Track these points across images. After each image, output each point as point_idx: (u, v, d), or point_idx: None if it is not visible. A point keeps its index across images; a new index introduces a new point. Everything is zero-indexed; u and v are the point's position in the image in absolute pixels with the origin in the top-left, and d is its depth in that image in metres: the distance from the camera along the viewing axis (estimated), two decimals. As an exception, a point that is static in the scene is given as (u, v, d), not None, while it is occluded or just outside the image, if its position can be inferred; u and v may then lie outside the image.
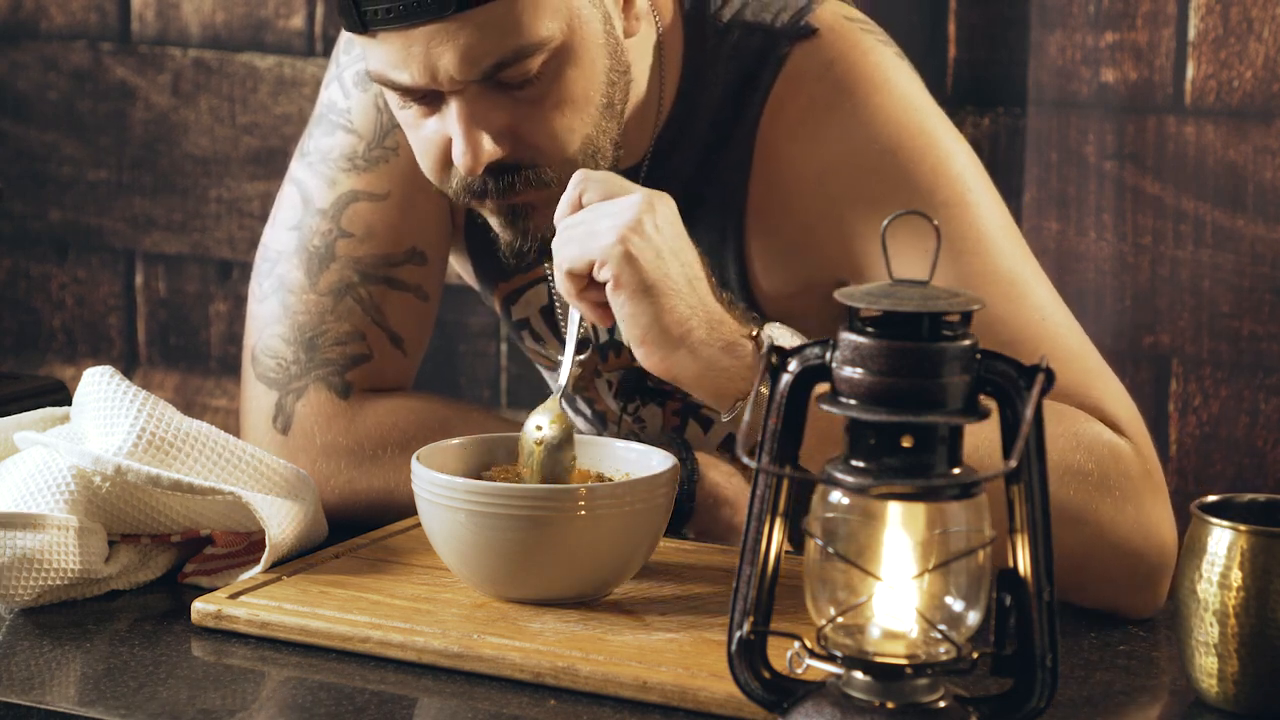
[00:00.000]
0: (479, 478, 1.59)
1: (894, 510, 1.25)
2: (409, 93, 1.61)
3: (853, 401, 1.25)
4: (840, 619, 1.27)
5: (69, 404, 1.73)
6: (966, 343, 1.25)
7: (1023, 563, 1.28)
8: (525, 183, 1.63)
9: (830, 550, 1.26)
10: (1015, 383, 1.26)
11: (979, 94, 2.51)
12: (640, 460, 1.60)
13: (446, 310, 2.09)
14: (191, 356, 3.06)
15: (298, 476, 1.66)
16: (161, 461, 1.60)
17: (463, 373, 2.89)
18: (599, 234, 1.50)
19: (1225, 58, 2.38)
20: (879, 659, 1.26)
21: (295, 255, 1.79)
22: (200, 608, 1.53)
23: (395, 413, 1.77)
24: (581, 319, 1.59)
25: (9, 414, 1.75)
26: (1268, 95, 2.37)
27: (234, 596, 1.54)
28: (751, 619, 1.31)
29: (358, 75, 1.81)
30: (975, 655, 1.27)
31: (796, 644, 1.28)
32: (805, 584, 1.28)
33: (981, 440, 1.40)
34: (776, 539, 1.31)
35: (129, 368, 3.08)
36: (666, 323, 1.50)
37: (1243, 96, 2.38)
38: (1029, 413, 1.24)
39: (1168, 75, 2.41)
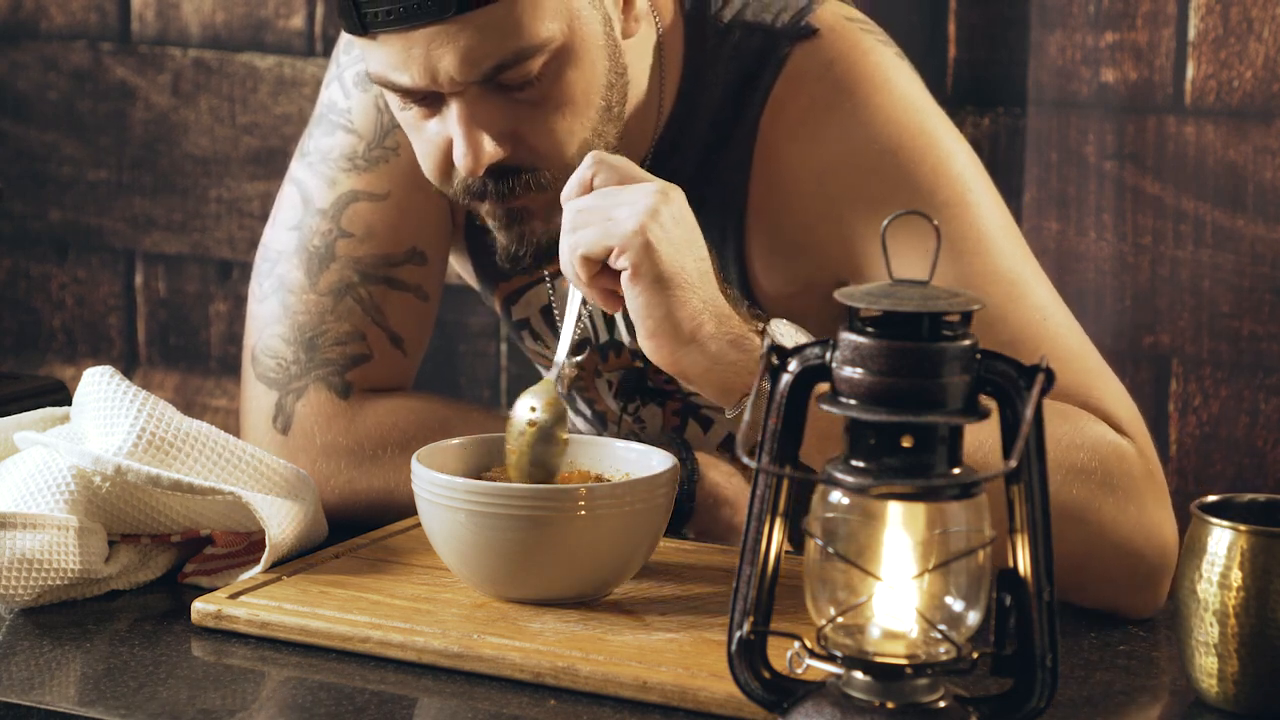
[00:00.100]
0: (479, 478, 1.59)
1: (894, 510, 1.25)
2: (409, 94, 1.61)
3: (853, 401, 1.25)
4: (840, 619, 1.27)
5: (69, 404, 1.73)
6: (966, 343, 1.25)
7: (1023, 563, 1.28)
8: (524, 187, 1.63)
9: (830, 550, 1.26)
10: (1015, 383, 1.26)
11: (979, 94, 2.51)
12: (640, 460, 1.60)
13: (446, 310, 2.09)
14: (191, 356, 3.06)
15: (298, 476, 1.66)
16: (161, 461, 1.60)
17: (463, 373, 2.90)
18: (620, 220, 1.49)
19: (1225, 58, 2.39)
20: (879, 659, 1.26)
21: (295, 255, 1.79)
22: (200, 608, 1.53)
23: (395, 413, 1.77)
24: (580, 311, 1.59)
25: (9, 414, 1.75)
26: (1268, 95, 2.37)
27: (234, 596, 1.54)
28: (751, 619, 1.31)
29: (358, 75, 1.81)
30: (975, 655, 1.27)
31: (796, 644, 1.28)
32: (805, 584, 1.28)
33: (982, 440, 1.40)
34: (776, 539, 1.31)
35: (129, 368, 3.08)
36: (679, 317, 1.50)
37: (1243, 96, 2.38)
38: (1029, 413, 1.24)
39: (1168, 75, 2.41)
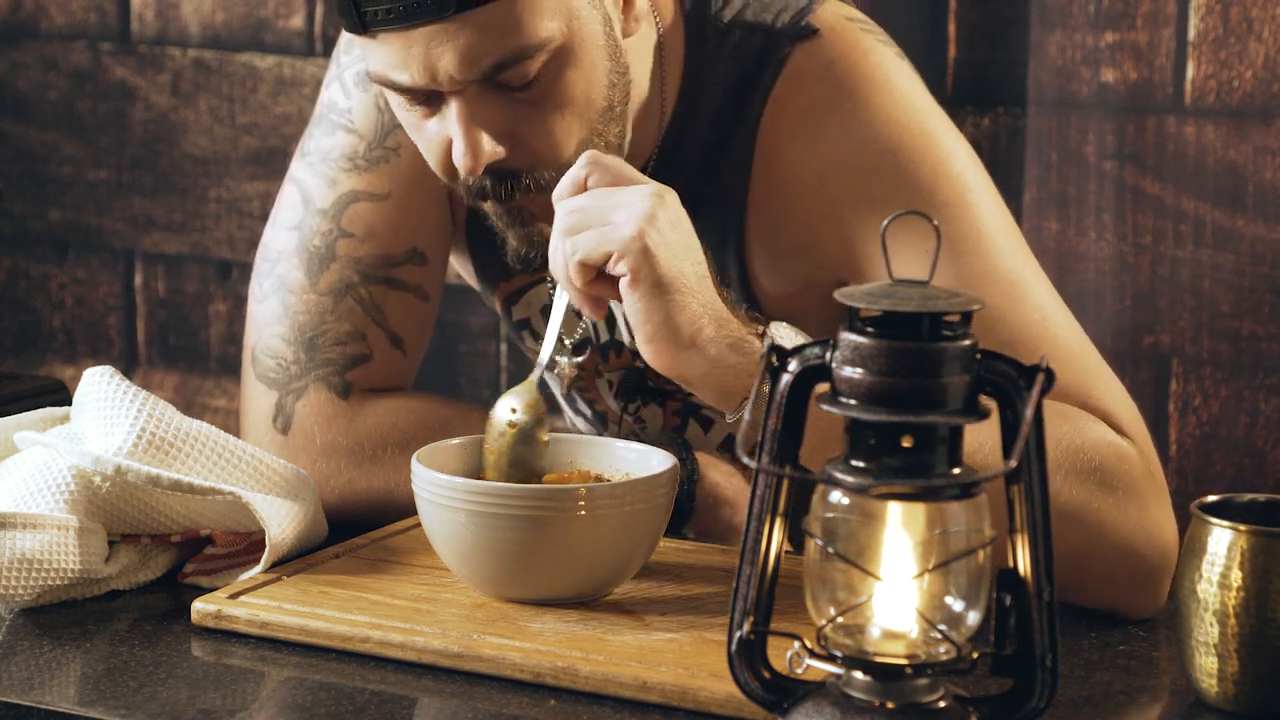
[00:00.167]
0: (479, 478, 1.59)
1: (894, 510, 1.25)
2: (409, 93, 1.61)
3: (853, 401, 1.25)
4: (840, 619, 1.27)
5: (69, 404, 1.73)
6: (966, 343, 1.25)
7: (1023, 563, 1.28)
8: (524, 189, 1.63)
9: (830, 550, 1.26)
10: (1015, 383, 1.26)
11: (979, 94, 2.51)
12: (640, 460, 1.60)
13: (446, 310, 2.08)
14: (191, 356, 3.06)
15: (298, 476, 1.66)
16: (161, 461, 1.60)
17: (463, 373, 2.89)
18: (617, 225, 1.49)
19: (1225, 58, 2.38)
20: (879, 659, 1.26)
21: (295, 255, 1.79)
22: (200, 608, 1.53)
23: (395, 413, 1.77)
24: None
25: (9, 414, 1.75)
26: (1268, 95, 2.37)
27: (234, 596, 1.54)
28: (751, 619, 1.31)
29: (358, 75, 1.81)
30: (975, 655, 1.27)
31: (796, 644, 1.28)
32: (805, 584, 1.28)
33: (982, 440, 1.40)
34: (776, 539, 1.31)
35: (129, 368, 3.08)
36: (678, 321, 1.50)
37: (1243, 96, 2.38)
38: (1029, 413, 1.24)
39: (1168, 75, 2.41)
